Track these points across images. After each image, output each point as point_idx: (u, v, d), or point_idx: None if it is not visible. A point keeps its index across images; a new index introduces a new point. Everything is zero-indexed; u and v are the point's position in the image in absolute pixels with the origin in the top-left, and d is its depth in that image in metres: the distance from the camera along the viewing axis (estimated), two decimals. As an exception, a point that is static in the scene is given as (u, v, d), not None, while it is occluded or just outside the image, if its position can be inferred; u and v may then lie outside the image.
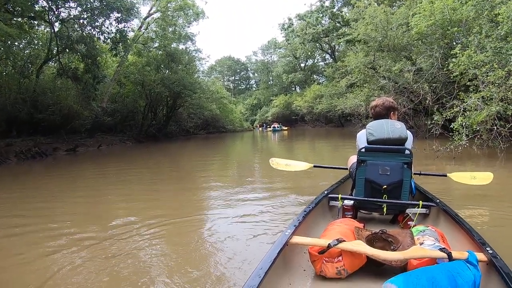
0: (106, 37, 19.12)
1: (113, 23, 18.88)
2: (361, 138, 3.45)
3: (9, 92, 21.55)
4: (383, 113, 3.45)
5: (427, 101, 15.08)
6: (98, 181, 9.55)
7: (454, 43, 14.44)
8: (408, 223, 3.08)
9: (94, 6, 18.22)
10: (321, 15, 43.26)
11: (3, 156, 14.54)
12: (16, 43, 23.19)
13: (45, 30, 22.59)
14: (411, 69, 15.68)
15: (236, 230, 3.97)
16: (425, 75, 15.41)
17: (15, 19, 16.37)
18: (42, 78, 22.74)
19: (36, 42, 24.02)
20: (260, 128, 63.37)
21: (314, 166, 5.40)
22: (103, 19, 18.58)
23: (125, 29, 19.52)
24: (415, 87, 15.83)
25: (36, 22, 18.94)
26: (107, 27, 19.01)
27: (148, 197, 6.73)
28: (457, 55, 10.97)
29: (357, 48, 21.52)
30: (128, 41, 21.21)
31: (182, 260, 3.19)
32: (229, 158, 16.08)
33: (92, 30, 18.89)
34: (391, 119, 3.42)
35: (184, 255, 3.33)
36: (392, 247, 2.38)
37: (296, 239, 2.40)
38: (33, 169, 13.33)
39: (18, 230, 4.54)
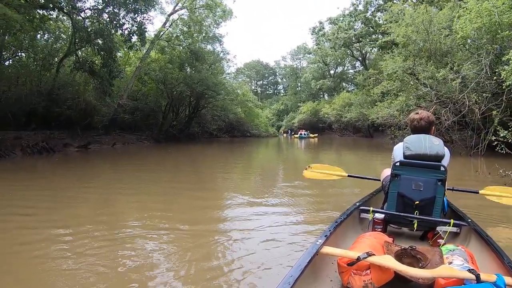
0: (123, 29, 18.31)
1: (131, 14, 18.18)
2: (397, 152, 3.38)
3: (29, 85, 21.24)
4: (426, 127, 3.34)
5: (475, 114, 13.36)
6: (99, 182, 8.64)
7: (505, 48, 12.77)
8: (438, 241, 3.05)
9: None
10: (354, 19, 41.65)
11: (8, 149, 13.98)
12: (39, 36, 23.05)
13: (67, 24, 22.01)
14: (456, 77, 13.94)
15: (262, 238, 3.87)
16: (470, 84, 13.68)
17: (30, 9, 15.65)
18: (62, 72, 22.35)
19: (57, 35, 23.70)
20: (285, 135, 62.52)
21: (348, 176, 5.13)
22: (119, 9, 17.87)
23: (143, 21, 18.74)
24: (460, 97, 14.11)
25: (54, 14, 18.31)
26: (124, 18, 18.31)
27: (163, 200, 6.41)
28: (510, 61, 9.81)
29: (393, 53, 19.69)
30: (146, 34, 20.27)
31: (205, 268, 3.14)
32: (252, 164, 14.91)
33: (109, 22, 18.20)
34: (430, 134, 3.33)
35: (207, 262, 3.25)
36: (420, 264, 2.37)
37: (327, 249, 2.43)
38: (32, 164, 12.55)
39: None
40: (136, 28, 18.35)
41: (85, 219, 4.87)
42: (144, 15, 18.43)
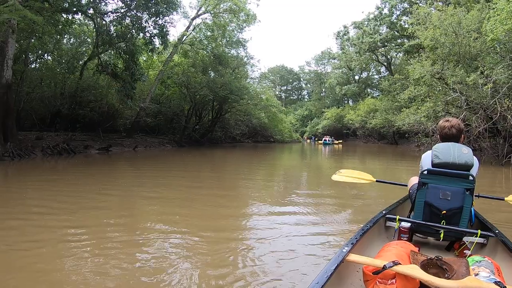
0: (145, 32, 18.30)
1: (152, 17, 18.09)
2: (426, 160, 3.33)
3: (53, 87, 21.66)
4: (456, 135, 3.27)
5: (507, 120, 12.64)
6: (115, 185, 8.45)
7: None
8: (464, 251, 3.00)
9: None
10: (379, 23, 40.73)
11: (28, 150, 14.06)
12: (64, 40, 23.59)
13: (92, 27, 22.37)
14: (487, 81, 13.22)
15: (283, 247, 3.79)
16: (502, 89, 12.95)
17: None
18: (86, 75, 22.67)
19: (83, 39, 24.17)
20: (308, 140, 62.06)
21: (377, 181, 5.05)
22: (142, 13, 17.82)
23: (165, 24, 18.65)
24: (491, 103, 13.40)
25: (77, 17, 18.40)
26: (146, 22, 18.27)
27: (183, 205, 6.27)
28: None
29: (420, 57, 18.94)
30: (170, 38, 20.33)
31: (223, 276, 3.05)
32: (275, 170, 14.42)
33: (131, 25, 18.21)
34: (459, 142, 3.28)
35: (226, 271, 3.17)
36: (446, 275, 2.31)
37: (353, 257, 2.40)
38: (51, 165, 12.51)
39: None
40: (158, 31, 18.30)
41: (101, 221, 4.85)
42: (166, 18, 18.40)
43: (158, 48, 20.94)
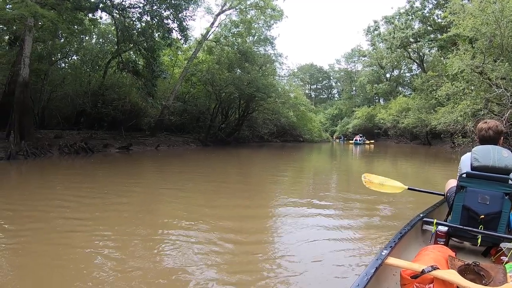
0: (163, 25, 17.83)
1: (171, 11, 17.66)
2: (465, 163, 3.25)
3: (78, 86, 21.77)
4: (494, 137, 3.17)
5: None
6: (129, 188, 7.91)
7: None
8: (501, 258, 2.82)
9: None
10: (411, 17, 38.93)
11: (45, 148, 13.86)
12: (89, 39, 23.78)
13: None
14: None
15: (311, 253, 3.69)
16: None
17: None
18: (108, 73, 22.68)
19: (110, 38, 24.22)
20: (337, 140, 60.74)
21: (408, 189, 4.74)
22: (159, 7, 17.44)
23: (184, 17, 18.16)
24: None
25: (97, 15, 18.59)
26: (168, 18, 17.85)
27: (208, 205, 6.13)
28: None
29: (458, 50, 17.45)
30: (193, 34, 19.99)
31: (248, 280, 2.99)
32: (303, 171, 13.73)
33: (150, 20, 17.87)
34: (498, 144, 3.18)
35: (251, 275, 3.11)
36: (483, 281, 2.26)
37: (392, 260, 2.39)
38: (67, 164, 12.31)
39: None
40: (177, 24, 17.88)
41: (123, 220, 4.94)
42: (186, 11, 18.00)
43: (177, 42, 20.54)
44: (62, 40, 20.89)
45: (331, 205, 6.31)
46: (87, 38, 23.89)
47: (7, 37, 19.13)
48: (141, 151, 18.24)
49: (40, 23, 15.67)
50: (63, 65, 24.27)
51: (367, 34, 50.61)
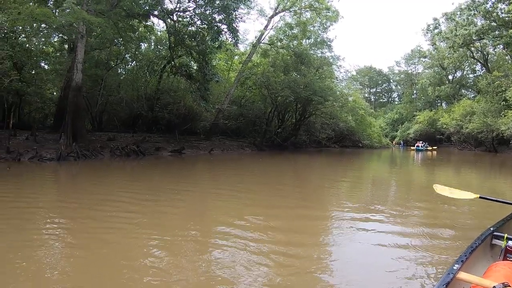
0: (213, 27, 17.45)
1: (219, 11, 17.35)
2: None
3: (135, 91, 22.08)
4: None
5: None
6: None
7: None
8: None
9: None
10: (473, 12, 35.89)
11: (96, 150, 14.03)
12: (147, 45, 24.25)
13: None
14: None
15: (385, 254, 3.79)
16: None
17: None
18: (164, 77, 23.08)
19: (166, 43, 24.51)
20: (397, 146, 58.08)
21: (480, 197, 4.60)
22: (209, 9, 17.25)
23: (234, 18, 17.65)
24: None
25: (149, 21, 19.19)
26: (219, 21, 17.58)
27: (262, 212, 5.88)
28: None
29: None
30: (248, 38, 19.68)
31: None
32: (362, 179, 12.65)
33: (201, 23, 17.80)
34: None
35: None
36: None
37: (463, 275, 2.37)
38: (118, 166, 12.42)
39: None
40: (226, 25, 17.53)
41: (173, 222, 5.10)
42: (235, 12, 17.54)
43: (227, 44, 20.29)
44: (121, 47, 21.39)
45: (394, 214, 6.05)
46: (146, 45, 24.36)
47: (66, 45, 19.65)
48: (194, 155, 18.02)
49: (94, 33, 16.04)
50: (120, 70, 24.74)
51: (426, 33, 47.72)
